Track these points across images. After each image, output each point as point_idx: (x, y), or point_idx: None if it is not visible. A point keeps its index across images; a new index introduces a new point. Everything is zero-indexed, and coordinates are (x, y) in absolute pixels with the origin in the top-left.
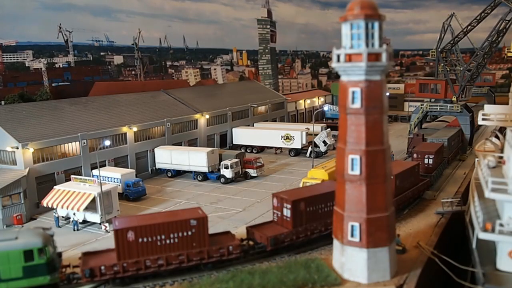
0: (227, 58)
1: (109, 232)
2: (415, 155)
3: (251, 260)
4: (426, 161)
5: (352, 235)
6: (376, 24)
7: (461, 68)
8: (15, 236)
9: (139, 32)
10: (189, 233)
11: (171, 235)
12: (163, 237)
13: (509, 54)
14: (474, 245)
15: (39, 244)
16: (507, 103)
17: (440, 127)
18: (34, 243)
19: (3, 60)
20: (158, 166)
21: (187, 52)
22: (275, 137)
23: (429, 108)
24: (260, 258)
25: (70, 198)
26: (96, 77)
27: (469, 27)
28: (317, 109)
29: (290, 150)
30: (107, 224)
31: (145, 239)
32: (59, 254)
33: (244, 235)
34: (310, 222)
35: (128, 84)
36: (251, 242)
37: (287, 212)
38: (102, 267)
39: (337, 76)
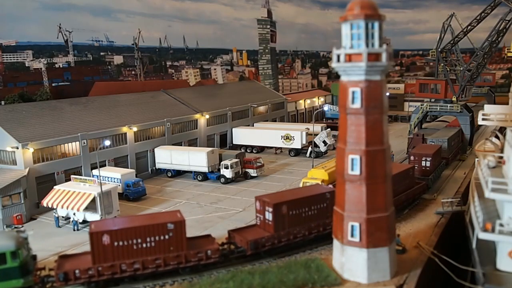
0: (227, 58)
1: None
2: (412, 157)
3: (234, 265)
4: (423, 163)
5: (352, 235)
6: (376, 24)
7: (461, 68)
8: None
9: (139, 32)
10: (166, 237)
11: (148, 239)
12: (139, 241)
13: (509, 54)
14: (474, 245)
15: (12, 247)
16: (507, 103)
17: (440, 127)
18: (7, 246)
19: (3, 60)
20: (158, 166)
21: (187, 52)
22: (275, 137)
23: (429, 108)
24: (243, 262)
25: (70, 198)
26: (96, 77)
27: (469, 27)
28: (317, 109)
29: (290, 150)
30: None
31: (120, 243)
32: (34, 257)
33: None
34: (292, 226)
35: (128, 84)
36: (232, 246)
37: (269, 216)
38: (77, 271)
39: (337, 76)
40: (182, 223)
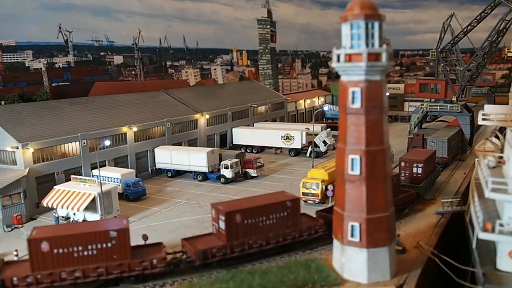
0: (227, 58)
1: None
2: (402, 164)
3: (183, 274)
4: (414, 170)
5: (352, 235)
6: (376, 24)
7: (461, 68)
8: None
9: (139, 32)
10: (109, 244)
11: (89, 247)
12: (80, 248)
13: (509, 54)
14: (474, 245)
15: None
16: (507, 103)
17: (440, 127)
18: None
19: (3, 60)
20: (158, 166)
21: (187, 52)
22: (275, 137)
23: (429, 108)
24: (193, 272)
25: (70, 198)
26: (96, 77)
27: (469, 27)
28: (317, 109)
29: (290, 150)
30: None
31: (60, 250)
32: None
33: None
34: (247, 235)
35: (128, 84)
36: (184, 255)
37: (222, 224)
38: (15, 278)
39: (337, 76)
40: (126, 231)
